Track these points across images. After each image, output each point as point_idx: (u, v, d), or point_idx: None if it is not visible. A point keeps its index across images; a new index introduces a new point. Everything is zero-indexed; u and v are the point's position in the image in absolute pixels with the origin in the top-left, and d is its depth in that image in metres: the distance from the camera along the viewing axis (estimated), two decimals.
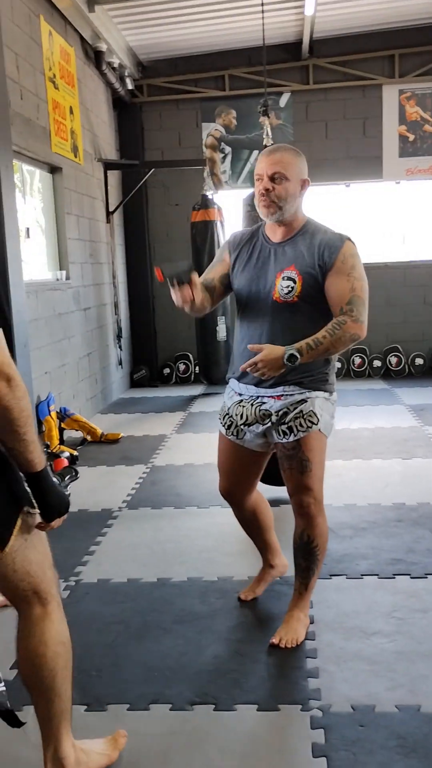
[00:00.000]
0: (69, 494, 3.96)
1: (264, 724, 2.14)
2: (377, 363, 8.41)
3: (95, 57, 7.07)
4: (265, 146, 4.88)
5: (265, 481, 2.99)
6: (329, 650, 2.52)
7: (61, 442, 5.41)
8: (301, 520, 2.56)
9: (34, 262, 5.73)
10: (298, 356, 2.30)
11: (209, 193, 7.63)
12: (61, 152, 6.05)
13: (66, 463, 4.85)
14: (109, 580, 3.17)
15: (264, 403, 2.51)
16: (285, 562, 2.93)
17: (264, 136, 4.91)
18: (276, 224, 2.50)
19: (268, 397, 2.50)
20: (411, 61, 8.00)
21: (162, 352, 8.73)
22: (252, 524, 2.84)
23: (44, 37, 5.66)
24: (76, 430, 5.76)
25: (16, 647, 1.78)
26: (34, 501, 1.63)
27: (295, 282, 2.42)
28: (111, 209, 7.64)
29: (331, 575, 3.09)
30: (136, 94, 8.23)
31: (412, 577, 3.05)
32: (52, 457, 4.95)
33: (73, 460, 5.05)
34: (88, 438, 5.74)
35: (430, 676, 2.33)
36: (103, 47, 7.00)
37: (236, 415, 2.58)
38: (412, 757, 1.96)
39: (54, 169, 6.08)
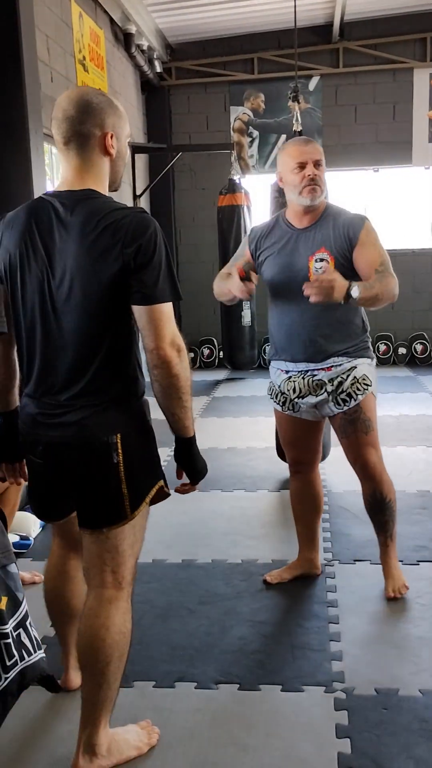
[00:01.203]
0: None
1: (288, 705, 2.16)
2: (402, 350, 8.34)
3: (124, 39, 7.05)
4: (295, 131, 4.84)
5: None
6: (353, 634, 2.54)
7: None
8: (368, 483, 2.74)
9: None
10: (358, 291, 2.39)
11: (236, 178, 7.60)
12: None
13: None
14: None
15: (315, 375, 2.66)
16: (319, 564, 2.99)
17: (293, 122, 4.87)
18: (303, 210, 2.63)
19: (318, 369, 2.65)
20: None
21: (186, 337, 8.66)
22: (307, 501, 2.95)
23: (74, 19, 5.66)
24: None
25: (79, 625, 1.81)
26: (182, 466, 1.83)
27: (327, 263, 2.56)
28: (138, 193, 7.64)
29: (355, 560, 3.11)
30: (164, 77, 8.20)
31: None
32: None
33: None
34: None
35: None
36: (133, 29, 6.98)
37: (288, 390, 2.73)
38: None
39: None
